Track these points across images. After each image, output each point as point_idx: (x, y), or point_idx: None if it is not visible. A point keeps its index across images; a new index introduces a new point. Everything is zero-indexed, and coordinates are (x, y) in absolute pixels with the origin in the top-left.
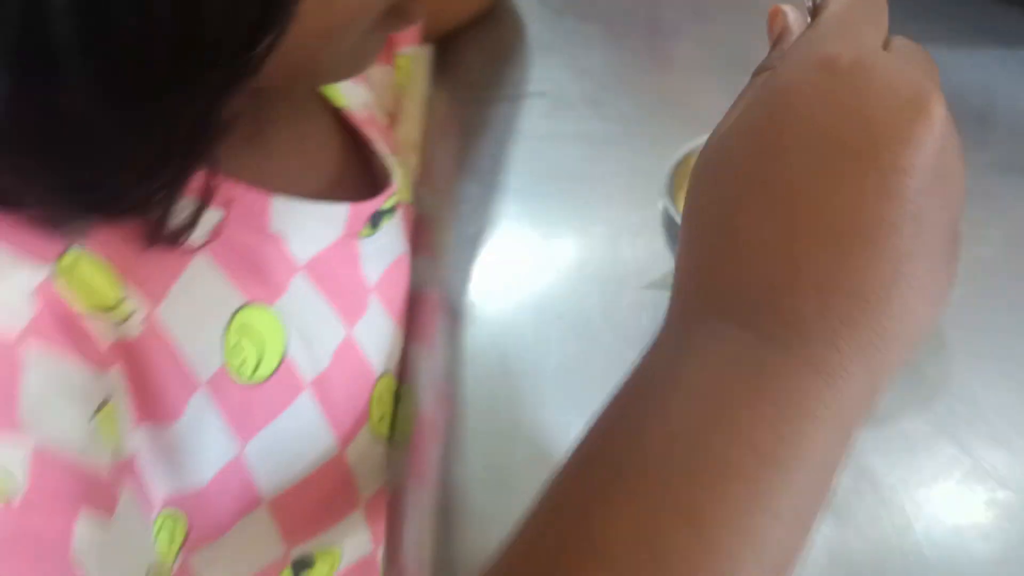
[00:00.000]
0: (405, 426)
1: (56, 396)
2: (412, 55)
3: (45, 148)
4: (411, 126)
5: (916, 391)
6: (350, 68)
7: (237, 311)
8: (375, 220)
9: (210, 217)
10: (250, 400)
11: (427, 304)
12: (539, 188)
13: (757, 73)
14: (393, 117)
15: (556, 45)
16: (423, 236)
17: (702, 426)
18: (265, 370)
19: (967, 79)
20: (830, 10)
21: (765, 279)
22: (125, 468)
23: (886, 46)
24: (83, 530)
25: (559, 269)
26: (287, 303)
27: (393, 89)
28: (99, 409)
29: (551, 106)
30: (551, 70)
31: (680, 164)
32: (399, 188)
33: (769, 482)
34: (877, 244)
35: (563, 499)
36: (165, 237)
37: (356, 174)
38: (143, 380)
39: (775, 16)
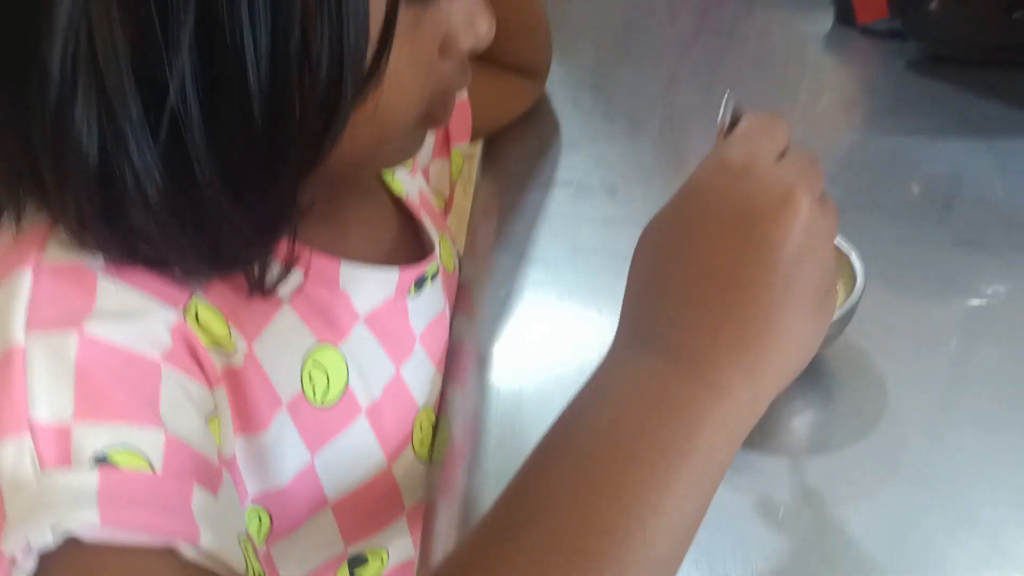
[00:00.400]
0: (440, 451)
1: (183, 402)
2: (464, 151)
3: (185, 223)
4: (462, 209)
5: (858, 426)
6: (398, 158)
7: (312, 349)
8: (419, 283)
9: (294, 277)
10: (319, 420)
11: (463, 353)
12: (560, 260)
13: (700, 163)
14: (448, 202)
15: (583, 140)
16: (464, 297)
17: (620, 424)
18: (331, 397)
19: (938, 168)
20: (739, 127)
21: (673, 320)
22: (227, 464)
23: (783, 154)
24: (198, 498)
25: (570, 325)
26: (350, 345)
27: (448, 179)
28: (210, 417)
29: (575, 192)
30: (578, 161)
31: None
32: (440, 258)
33: (667, 465)
34: (753, 298)
35: (522, 476)
36: (261, 290)
37: (407, 246)
38: (242, 399)
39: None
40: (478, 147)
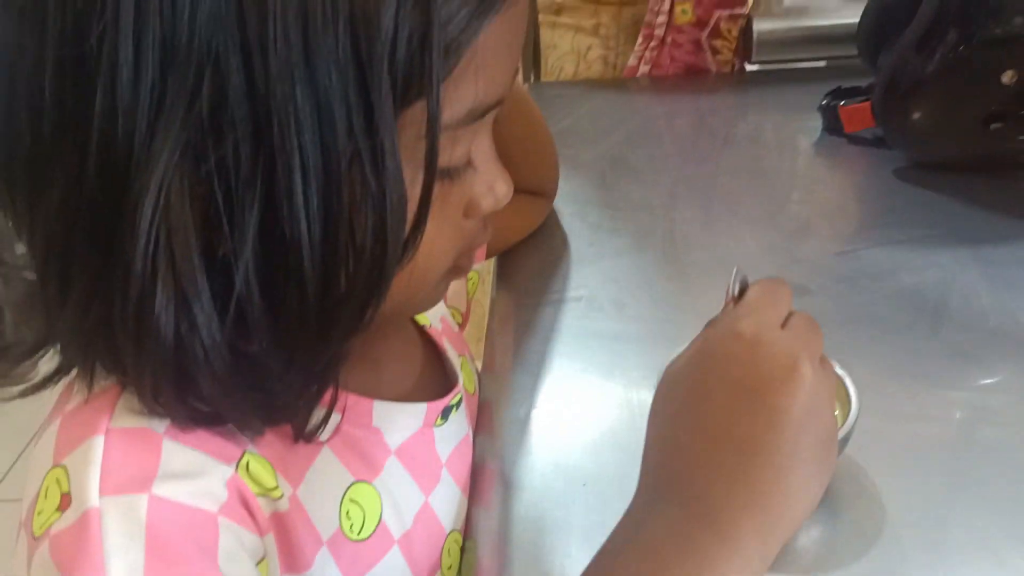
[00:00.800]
0: (468, 573)
1: (238, 552)
2: (480, 269)
3: (244, 387)
4: (478, 324)
5: (859, 543)
6: (425, 306)
7: (349, 487)
8: (445, 413)
9: (333, 419)
10: (357, 553)
11: (486, 474)
12: (574, 378)
13: (707, 325)
14: (465, 316)
15: (591, 256)
16: (484, 418)
17: (646, 574)
18: (367, 531)
19: (925, 278)
20: (746, 297)
21: (691, 478)
22: None
23: (787, 321)
24: None
25: (586, 446)
26: (383, 480)
27: (465, 296)
28: (259, 561)
29: (586, 308)
30: (587, 277)
31: None
32: (463, 381)
33: None
34: (764, 457)
35: None
36: (305, 436)
37: (433, 376)
38: (287, 541)
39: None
40: (492, 262)
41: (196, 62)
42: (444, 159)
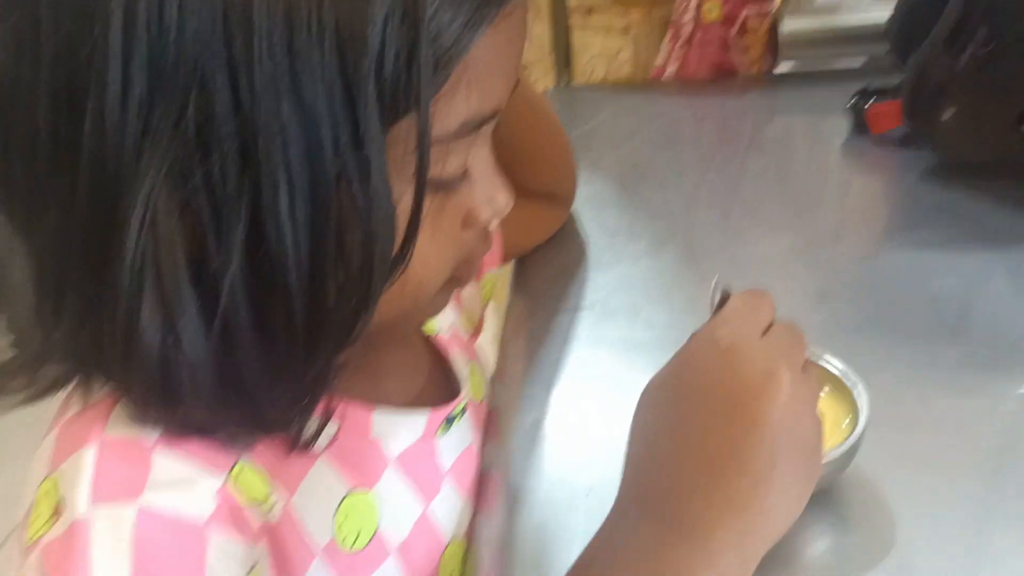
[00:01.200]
0: None
1: (228, 562)
2: (495, 275)
3: (232, 399)
4: (493, 331)
5: (868, 556)
6: (427, 315)
7: (345, 497)
8: (448, 422)
9: (329, 429)
10: (351, 565)
11: (491, 482)
12: (585, 388)
13: (690, 338)
14: (479, 324)
15: (609, 262)
16: (492, 425)
17: None
18: (362, 542)
19: (951, 283)
20: (727, 307)
21: (669, 487)
22: None
23: (768, 329)
24: None
25: (593, 455)
26: (381, 489)
27: (479, 302)
28: (251, 570)
29: (600, 315)
30: (603, 283)
31: None
32: (469, 389)
33: None
34: (742, 466)
35: None
36: (300, 445)
37: (437, 384)
38: (279, 552)
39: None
40: (510, 267)
41: (183, 80)
42: (437, 172)
